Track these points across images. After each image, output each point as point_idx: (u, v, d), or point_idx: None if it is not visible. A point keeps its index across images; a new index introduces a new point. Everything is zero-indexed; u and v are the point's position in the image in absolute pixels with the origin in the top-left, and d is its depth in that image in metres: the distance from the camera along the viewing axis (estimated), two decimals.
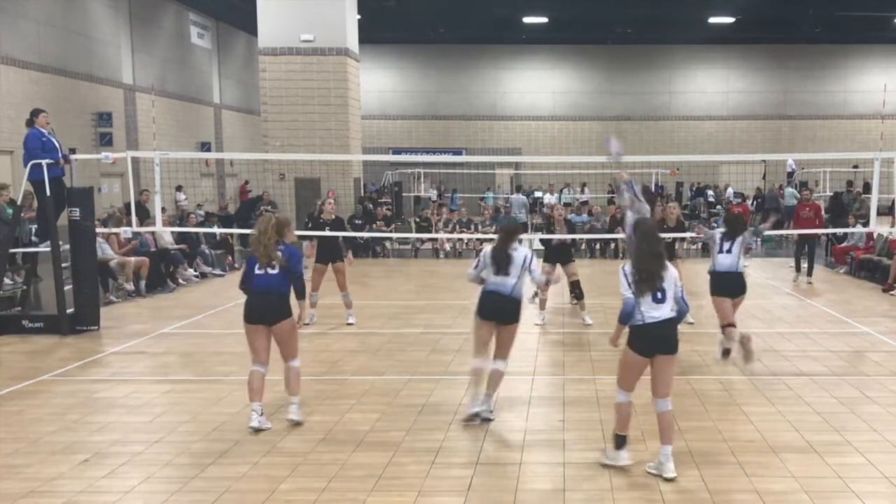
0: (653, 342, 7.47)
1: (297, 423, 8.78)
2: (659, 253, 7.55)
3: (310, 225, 14.85)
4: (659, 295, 7.43)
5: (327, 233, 14.47)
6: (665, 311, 7.46)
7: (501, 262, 8.92)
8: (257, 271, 8.75)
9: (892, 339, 13.18)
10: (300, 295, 9.03)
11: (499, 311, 8.87)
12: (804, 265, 20.11)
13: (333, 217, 14.70)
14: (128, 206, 20.98)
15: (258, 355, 8.82)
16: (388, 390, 10.24)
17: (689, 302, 8.05)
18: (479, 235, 21.53)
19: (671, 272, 7.49)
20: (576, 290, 14.65)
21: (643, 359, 7.55)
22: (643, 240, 7.55)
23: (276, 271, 8.66)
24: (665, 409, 7.56)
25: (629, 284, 7.47)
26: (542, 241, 14.92)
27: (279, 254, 8.64)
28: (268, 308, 8.70)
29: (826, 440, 8.35)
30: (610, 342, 8.13)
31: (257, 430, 8.58)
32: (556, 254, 14.54)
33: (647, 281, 7.41)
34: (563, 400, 9.78)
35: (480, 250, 9.92)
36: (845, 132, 45.65)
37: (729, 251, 11.06)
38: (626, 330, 7.65)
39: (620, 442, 7.65)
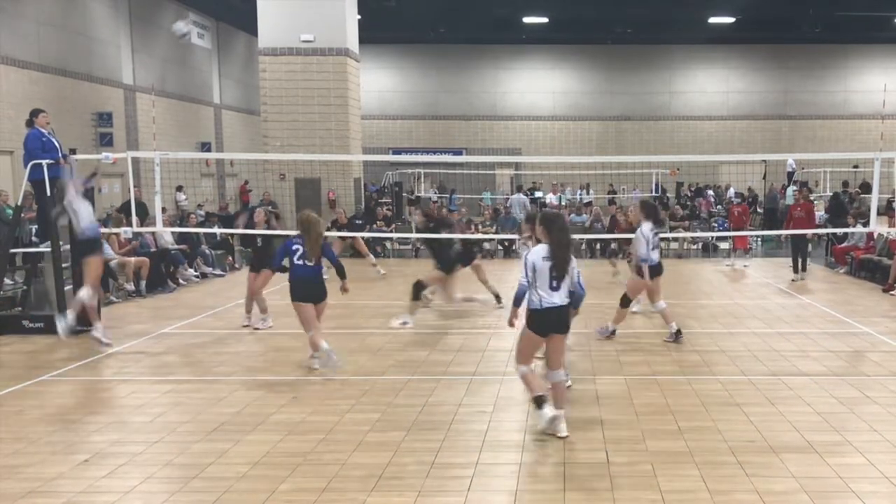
0: (549, 324, 8.47)
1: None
2: (569, 243, 8.57)
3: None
4: (555, 283, 8.39)
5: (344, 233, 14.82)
6: (560, 298, 8.44)
7: (562, 270, 8.56)
8: (297, 261, 11.09)
9: (893, 340, 13.18)
10: (343, 275, 11.38)
11: (562, 324, 8.68)
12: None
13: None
14: (127, 206, 21.03)
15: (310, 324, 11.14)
16: (389, 390, 10.24)
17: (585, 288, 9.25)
18: (479, 236, 21.50)
19: (573, 262, 8.53)
20: None
21: (540, 338, 8.57)
22: (558, 232, 8.47)
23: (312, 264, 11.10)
24: (559, 378, 8.67)
25: (527, 273, 8.36)
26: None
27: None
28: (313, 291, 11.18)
29: (826, 440, 8.34)
30: (508, 323, 8.99)
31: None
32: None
33: (562, 268, 8.40)
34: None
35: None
36: (845, 132, 45.67)
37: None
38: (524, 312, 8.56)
39: (539, 402, 8.50)
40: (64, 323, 12.51)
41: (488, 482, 7.34)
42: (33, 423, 9.07)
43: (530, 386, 8.68)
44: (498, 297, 16.10)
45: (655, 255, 12.81)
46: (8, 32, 24.77)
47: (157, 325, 14.82)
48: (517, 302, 8.55)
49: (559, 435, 8.30)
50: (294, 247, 11.15)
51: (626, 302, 13.19)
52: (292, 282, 11.17)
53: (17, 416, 9.33)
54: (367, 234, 21.84)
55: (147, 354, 12.62)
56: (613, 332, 13.23)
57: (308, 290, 11.13)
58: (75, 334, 13.00)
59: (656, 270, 12.92)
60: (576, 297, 8.87)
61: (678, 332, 13.01)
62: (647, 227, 12.72)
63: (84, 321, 13.54)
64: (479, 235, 15.27)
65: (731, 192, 35.15)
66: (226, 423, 8.97)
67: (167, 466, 7.73)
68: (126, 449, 8.18)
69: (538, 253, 8.47)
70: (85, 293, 12.67)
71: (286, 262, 11.26)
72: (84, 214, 12.94)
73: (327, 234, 15.02)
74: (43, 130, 14.18)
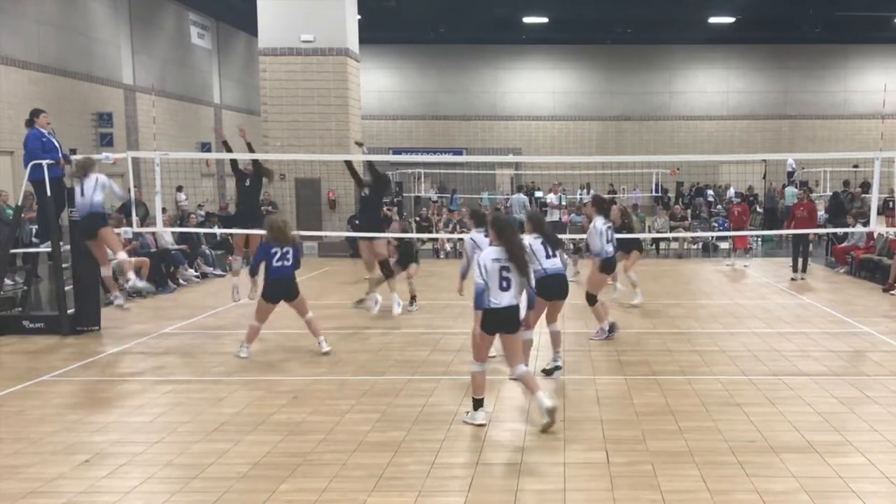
0: (497, 323, 8.69)
1: (327, 353, 12.02)
2: (521, 244, 8.83)
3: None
4: (504, 284, 8.60)
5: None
6: (509, 298, 8.65)
7: (554, 242, 10.45)
8: (276, 263, 11.84)
9: (893, 339, 13.17)
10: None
11: (511, 324, 8.85)
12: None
13: None
14: (125, 206, 21.03)
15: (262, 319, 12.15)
16: (389, 390, 10.24)
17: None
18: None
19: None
20: None
21: (490, 336, 8.80)
22: (510, 235, 8.71)
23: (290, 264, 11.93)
24: (522, 371, 8.89)
25: (482, 273, 8.57)
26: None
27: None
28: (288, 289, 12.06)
29: (827, 440, 8.33)
30: (473, 332, 8.88)
31: None
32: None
33: (522, 268, 8.66)
34: (562, 400, 9.77)
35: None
36: (845, 132, 45.67)
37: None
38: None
39: (478, 404, 8.90)
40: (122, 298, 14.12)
41: (489, 482, 7.34)
42: (34, 423, 9.07)
43: (474, 385, 8.94)
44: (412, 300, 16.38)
45: (610, 249, 13.21)
46: (8, 32, 24.78)
47: (158, 325, 14.83)
48: (478, 303, 8.63)
49: (546, 405, 8.53)
50: (272, 250, 11.88)
51: (592, 300, 13.21)
52: (272, 282, 11.93)
53: (17, 417, 9.34)
54: (370, 235, 21.73)
55: (147, 354, 12.63)
56: (611, 330, 13.20)
57: (284, 289, 12.03)
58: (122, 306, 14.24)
59: (608, 264, 13.32)
60: (530, 297, 9.59)
61: (611, 329, 13.30)
62: (599, 221, 13.14)
63: (92, 321, 14.08)
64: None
65: (731, 191, 35.11)
66: (226, 423, 8.98)
67: (168, 466, 7.73)
68: (126, 449, 8.18)
69: (489, 254, 8.64)
70: (120, 256, 13.63)
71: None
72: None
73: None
74: (43, 130, 14.20)
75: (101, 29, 29.99)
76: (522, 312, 9.26)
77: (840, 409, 9.39)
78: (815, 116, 46.33)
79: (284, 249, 11.88)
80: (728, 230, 25.28)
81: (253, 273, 12.88)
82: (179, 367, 11.87)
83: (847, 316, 15.34)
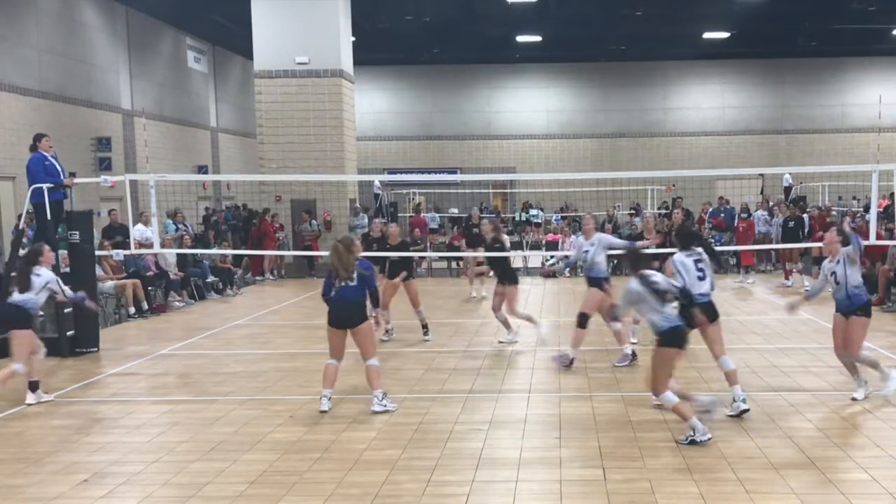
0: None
1: (376, 413, 10.02)
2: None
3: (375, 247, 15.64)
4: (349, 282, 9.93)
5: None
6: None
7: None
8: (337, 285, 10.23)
9: (894, 354, 13.13)
10: (376, 303, 10.54)
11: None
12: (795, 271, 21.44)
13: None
14: (112, 231, 21.12)
15: (335, 352, 10.34)
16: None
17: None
18: (473, 254, 21.47)
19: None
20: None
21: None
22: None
23: (354, 283, 10.17)
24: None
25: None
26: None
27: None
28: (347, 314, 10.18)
29: (828, 456, 8.30)
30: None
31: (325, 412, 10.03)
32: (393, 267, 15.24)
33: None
34: (559, 417, 9.77)
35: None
36: (843, 146, 45.66)
37: None
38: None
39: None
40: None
41: (485, 500, 7.35)
42: (34, 443, 9.12)
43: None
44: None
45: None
46: (10, 60, 24.88)
47: (155, 346, 14.84)
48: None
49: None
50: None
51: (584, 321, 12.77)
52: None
53: (18, 437, 9.39)
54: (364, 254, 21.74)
55: (145, 375, 12.65)
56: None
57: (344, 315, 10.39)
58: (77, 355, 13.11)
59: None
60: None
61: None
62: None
63: (91, 343, 14.06)
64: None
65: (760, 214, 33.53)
66: (223, 442, 8.99)
67: (165, 486, 7.74)
68: (125, 469, 8.20)
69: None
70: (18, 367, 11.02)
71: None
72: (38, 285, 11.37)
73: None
74: (46, 154, 14.33)
75: (101, 55, 30.08)
76: None
77: (841, 425, 9.36)
78: (812, 131, 46.31)
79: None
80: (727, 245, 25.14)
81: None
82: (177, 388, 11.89)
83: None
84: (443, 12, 33.12)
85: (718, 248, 25.19)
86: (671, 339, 8.74)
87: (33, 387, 11.01)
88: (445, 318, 17.33)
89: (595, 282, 12.77)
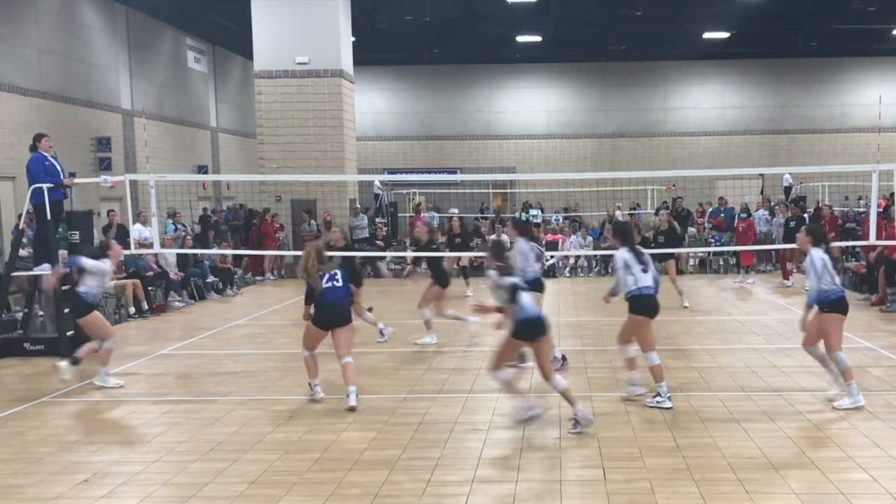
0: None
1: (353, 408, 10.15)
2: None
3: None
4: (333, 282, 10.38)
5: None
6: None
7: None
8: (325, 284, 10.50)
9: (894, 354, 13.10)
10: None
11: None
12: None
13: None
14: (123, 228, 21.15)
15: (313, 345, 10.75)
16: (384, 409, 10.26)
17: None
18: (473, 254, 21.48)
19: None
20: None
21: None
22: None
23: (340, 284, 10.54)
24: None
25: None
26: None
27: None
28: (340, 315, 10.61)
29: (828, 456, 8.28)
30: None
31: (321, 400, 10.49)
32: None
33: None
34: (559, 417, 9.77)
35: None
36: (843, 146, 45.63)
37: None
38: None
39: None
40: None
41: (484, 500, 7.35)
42: (34, 443, 9.12)
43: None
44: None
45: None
46: (10, 61, 24.88)
47: (155, 346, 14.86)
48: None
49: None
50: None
51: None
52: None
53: (18, 437, 9.40)
54: (361, 254, 21.79)
55: (145, 375, 12.66)
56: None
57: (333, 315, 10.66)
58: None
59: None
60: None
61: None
62: (522, 241, 12.76)
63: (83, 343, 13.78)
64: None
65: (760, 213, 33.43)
66: (223, 442, 8.99)
67: (165, 486, 7.75)
68: (125, 469, 8.21)
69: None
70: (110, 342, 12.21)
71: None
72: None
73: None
74: (46, 154, 14.34)
75: (101, 55, 30.08)
76: None
77: (841, 425, 9.34)
78: (812, 131, 46.28)
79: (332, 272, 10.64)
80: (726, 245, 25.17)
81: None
82: (177, 388, 11.90)
83: (847, 331, 15.12)
84: (443, 12, 33.11)
85: (718, 249, 25.37)
86: (522, 330, 9.15)
87: (75, 361, 11.97)
88: (445, 319, 17.30)
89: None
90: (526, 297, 9.25)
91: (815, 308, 10.23)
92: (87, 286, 11.94)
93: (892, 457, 8.25)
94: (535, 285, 12.52)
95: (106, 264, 12.22)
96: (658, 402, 10.16)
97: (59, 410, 10.63)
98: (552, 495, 7.37)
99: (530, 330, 9.11)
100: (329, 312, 10.44)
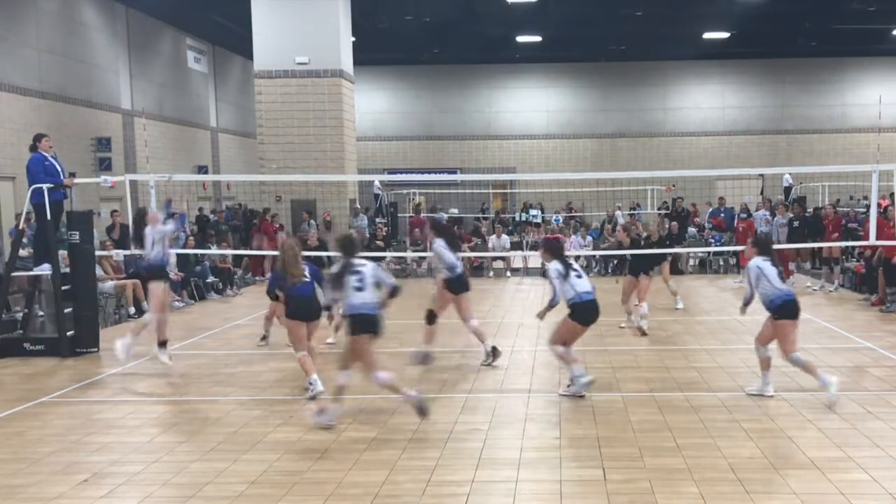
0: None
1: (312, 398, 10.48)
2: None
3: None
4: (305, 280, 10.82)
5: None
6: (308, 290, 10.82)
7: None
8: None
9: (894, 354, 13.11)
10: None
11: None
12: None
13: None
14: (125, 227, 21.14)
15: (301, 343, 10.97)
16: (384, 409, 10.24)
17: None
18: (472, 254, 21.52)
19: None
20: None
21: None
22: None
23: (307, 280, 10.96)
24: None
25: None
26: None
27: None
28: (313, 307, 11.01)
29: (828, 456, 8.26)
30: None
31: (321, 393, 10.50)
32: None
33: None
34: (559, 417, 9.78)
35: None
36: (843, 146, 45.65)
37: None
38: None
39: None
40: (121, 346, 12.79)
41: (485, 500, 7.35)
42: (34, 443, 9.12)
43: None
44: None
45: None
46: (10, 61, 24.90)
47: (155, 346, 14.81)
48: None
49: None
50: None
51: (432, 318, 13.14)
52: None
53: (18, 437, 9.40)
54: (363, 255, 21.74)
55: (145, 375, 12.66)
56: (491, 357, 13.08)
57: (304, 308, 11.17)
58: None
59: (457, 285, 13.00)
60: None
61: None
62: (439, 243, 12.98)
63: (91, 343, 14.22)
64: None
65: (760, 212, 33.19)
66: (223, 442, 9.00)
67: (165, 486, 7.75)
68: (125, 469, 8.21)
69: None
70: (147, 317, 13.30)
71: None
72: (149, 243, 13.13)
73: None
74: (46, 154, 14.34)
75: (101, 55, 30.09)
76: None
77: (841, 425, 9.32)
78: (812, 131, 46.29)
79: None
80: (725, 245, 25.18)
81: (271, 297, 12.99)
82: (177, 388, 11.90)
83: (847, 331, 15.24)
84: (443, 12, 33.10)
85: (718, 249, 25.38)
86: (360, 325, 9.49)
87: (162, 345, 13.03)
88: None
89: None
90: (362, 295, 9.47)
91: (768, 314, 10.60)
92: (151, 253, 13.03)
93: (892, 457, 8.25)
94: (456, 284, 12.90)
95: (149, 232, 13.10)
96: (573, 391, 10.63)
97: (59, 410, 10.62)
98: (552, 495, 7.37)
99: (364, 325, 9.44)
100: (308, 305, 10.91)
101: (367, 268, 9.54)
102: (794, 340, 10.47)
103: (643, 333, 15.07)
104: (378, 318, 9.46)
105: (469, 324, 13.02)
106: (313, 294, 10.99)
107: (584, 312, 10.67)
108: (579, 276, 10.71)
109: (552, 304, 10.80)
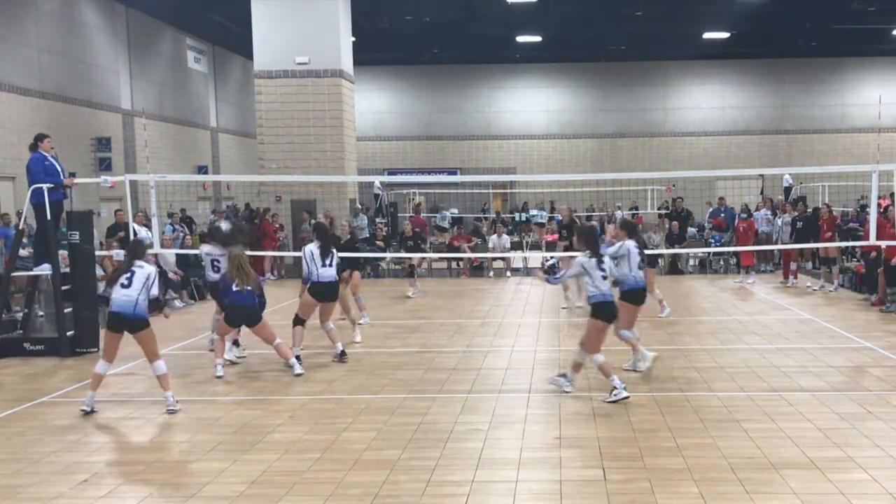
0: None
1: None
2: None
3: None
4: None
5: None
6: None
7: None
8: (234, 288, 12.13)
9: (894, 354, 13.10)
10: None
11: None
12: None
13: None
14: (115, 228, 21.13)
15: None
16: (384, 409, 10.24)
17: None
18: (472, 255, 21.48)
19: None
20: None
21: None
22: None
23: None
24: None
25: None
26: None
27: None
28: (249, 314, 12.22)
29: (828, 456, 8.26)
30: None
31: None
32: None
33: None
34: (558, 417, 9.77)
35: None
36: (843, 146, 45.67)
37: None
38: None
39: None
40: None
41: (485, 500, 7.35)
42: (34, 443, 9.11)
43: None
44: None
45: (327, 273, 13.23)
46: (10, 60, 24.92)
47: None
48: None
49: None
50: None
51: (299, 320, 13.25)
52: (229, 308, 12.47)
53: (18, 437, 9.39)
54: (363, 255, 21.75)
55: (145, 375, 12.60)
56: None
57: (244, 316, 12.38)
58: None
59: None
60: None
61: (342, 353, 13.30)
62: (312, 246, 13.30)
63: (91, 343, 14.06)
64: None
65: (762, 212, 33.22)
66: (223, 442, 9.00)
67: (165, 486, 7.75)
68: (125, 469, 8.23)
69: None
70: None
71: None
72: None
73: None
74: (46, 154, 14.34)
75: (101, 55, 30.13)
76: None
77: (841, 425, 9.32)
78: (812, 131, 46.31)
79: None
80: (726, 245, 25.13)
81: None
82: (176, 388, 11.81)
83: (847, 331, 15.22)
84: (443, 12, 33.14)
85: (718, 249, 25.33)
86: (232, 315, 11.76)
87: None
88: (445, 318, 17.34)
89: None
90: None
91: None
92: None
93: (892, 457, 8.25)
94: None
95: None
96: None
97: (59, 410, 10.61)
98: (552, 495, 7.37)
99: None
100: (245, 313, 12.15)
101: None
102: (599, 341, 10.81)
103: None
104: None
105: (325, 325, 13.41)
106: (254, 303, 12.15)
107: (609, 309, 10.73)
108: (605, 277, 10.75)
109: (554, 282, 11.15)
